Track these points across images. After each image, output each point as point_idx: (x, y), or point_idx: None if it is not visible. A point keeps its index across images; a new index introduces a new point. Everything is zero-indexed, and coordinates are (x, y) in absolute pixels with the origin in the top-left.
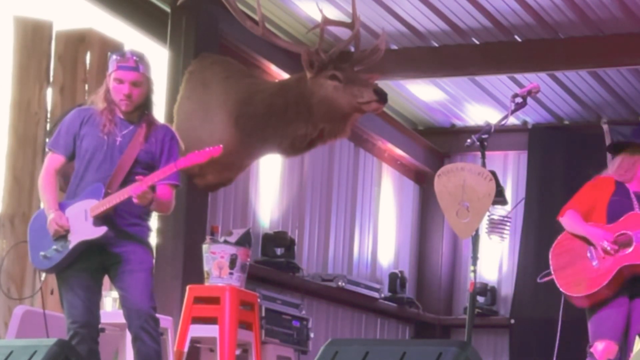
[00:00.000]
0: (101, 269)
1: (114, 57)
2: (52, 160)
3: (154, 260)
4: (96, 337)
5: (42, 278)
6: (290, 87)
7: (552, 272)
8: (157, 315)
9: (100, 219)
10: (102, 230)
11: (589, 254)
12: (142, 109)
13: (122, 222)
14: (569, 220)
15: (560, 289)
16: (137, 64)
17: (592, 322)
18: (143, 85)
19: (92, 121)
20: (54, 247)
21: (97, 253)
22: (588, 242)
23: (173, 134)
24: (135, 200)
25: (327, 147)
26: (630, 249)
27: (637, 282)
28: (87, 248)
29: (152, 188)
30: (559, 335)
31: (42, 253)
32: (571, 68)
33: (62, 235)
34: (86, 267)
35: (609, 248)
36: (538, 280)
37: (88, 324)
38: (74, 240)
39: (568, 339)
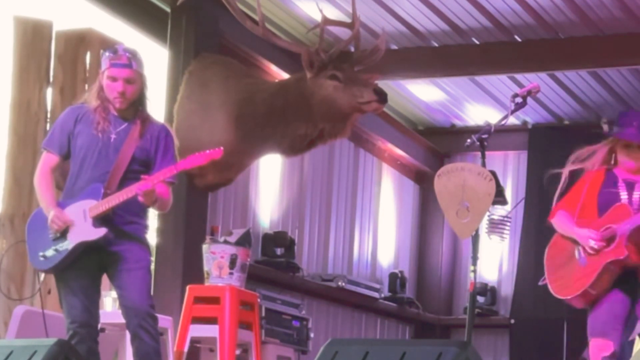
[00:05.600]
0: (99, 268)
1: (107, 54)
2: (47, 160)
3: (151, 259)
4: (96, 337)
5: (42, 278)
6: (290, 87)
7: (546, 275)
8: (157, 315)
9: (99, 220)
10: (102, 231)
11: (577, 254)
12: (136, 105)
13: (119, 220)
14: (558, 221)
15: (553, 293)
16: (130, 61)
17: (588, 322)
18: (136, 82)
19: (86, 119)
20: (53, 247)
21: (95, 253)
22: (577, 242)
23: (168, 131)
24: (140, 199)
25: (327, 147)
26: (613, 245)
27: (631, 278)
28: (86, 248)
29: None
30: (566, 335)
31: (41, 253)
32: (571, 68)
33: (61, 236)
34: (85, 266)
35: (596, 246)
36: (539, 284)
37: (87, 323)
38: (73, 240)
39: (573, 338)
